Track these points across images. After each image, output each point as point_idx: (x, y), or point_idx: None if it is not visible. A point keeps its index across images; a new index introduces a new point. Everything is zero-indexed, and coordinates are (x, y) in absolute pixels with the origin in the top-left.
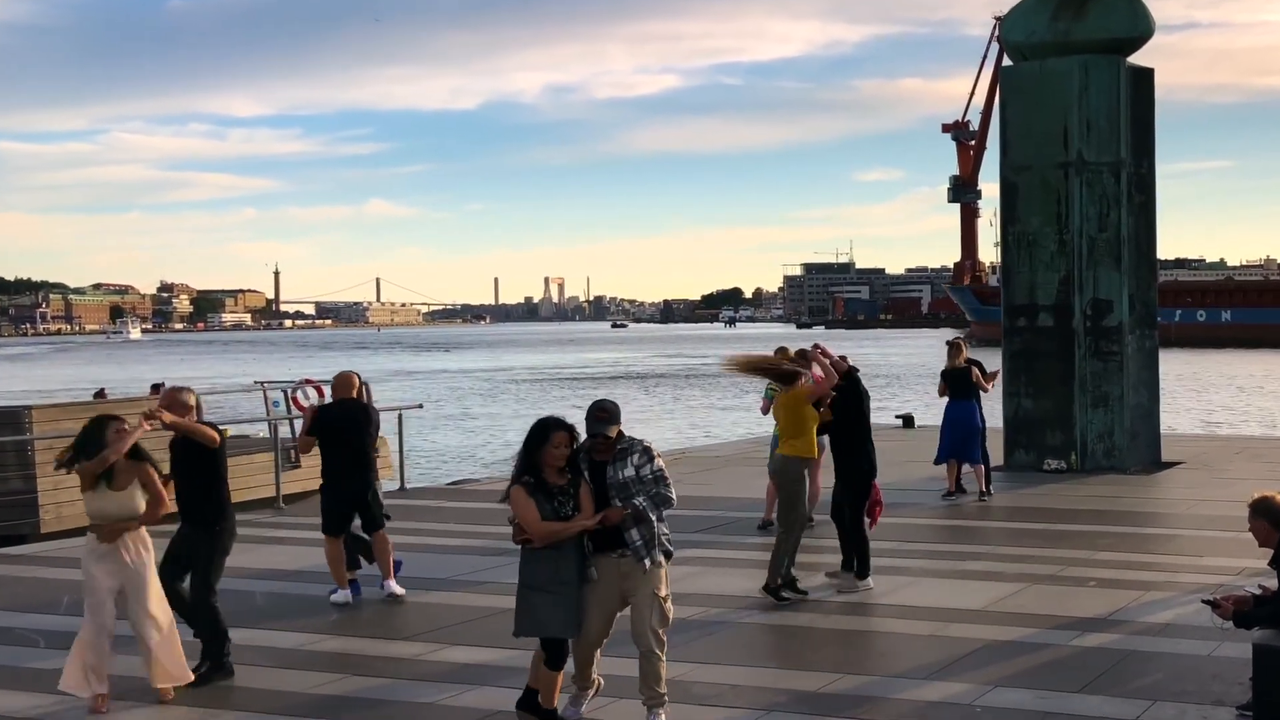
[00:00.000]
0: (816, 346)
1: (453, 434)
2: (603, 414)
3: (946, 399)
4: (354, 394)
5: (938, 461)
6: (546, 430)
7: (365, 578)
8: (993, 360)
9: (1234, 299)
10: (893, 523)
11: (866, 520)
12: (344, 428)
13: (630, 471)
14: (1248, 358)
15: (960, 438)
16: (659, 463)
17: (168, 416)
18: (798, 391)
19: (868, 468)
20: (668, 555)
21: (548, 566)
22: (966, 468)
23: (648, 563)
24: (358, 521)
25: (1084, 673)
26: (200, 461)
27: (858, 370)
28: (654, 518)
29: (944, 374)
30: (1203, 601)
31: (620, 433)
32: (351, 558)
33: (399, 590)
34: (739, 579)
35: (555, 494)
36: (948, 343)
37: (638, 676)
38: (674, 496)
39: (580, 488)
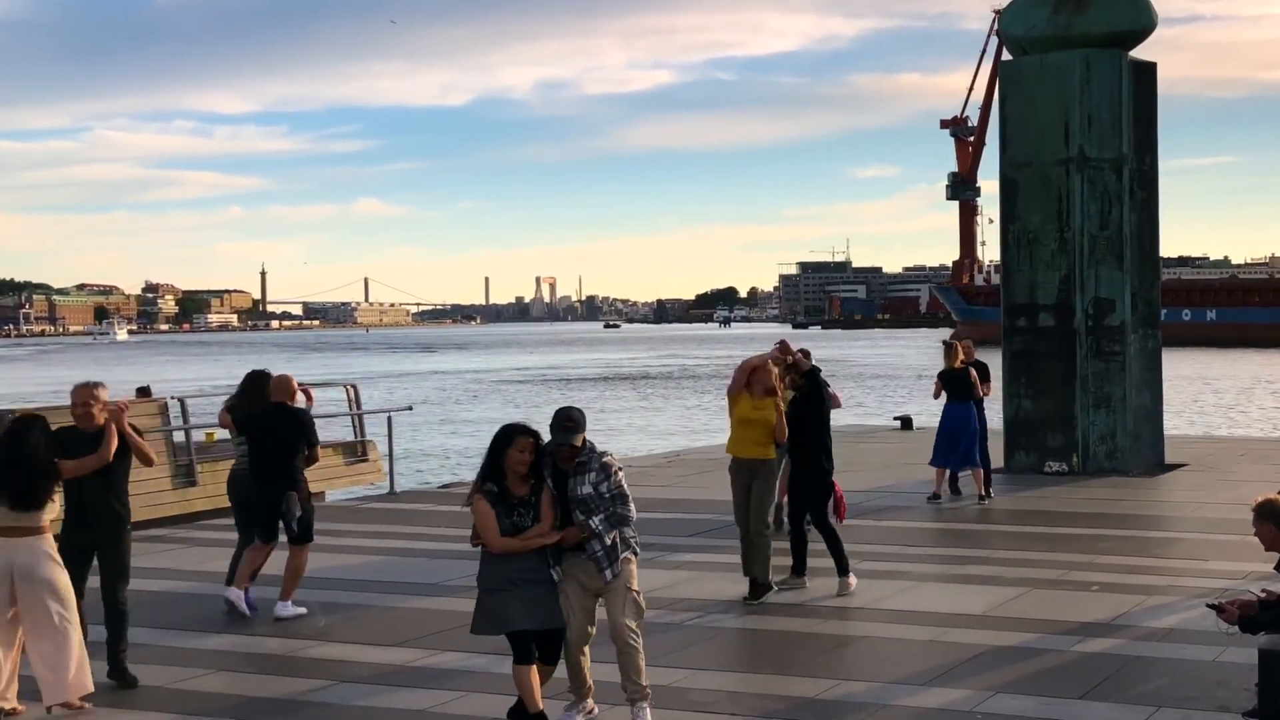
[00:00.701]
0: (781, 343)
1: (443, 436)
2: (569, 423)
3: (944, 400)
4: (290, 398)
5: (932, 463)
6: (510, 435)
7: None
8: (989, 360)
9: (1218, 298)
10: (891, 526)
11: (834, 517)
12: (258, 433)
13: (588, 489)
14: (1230, 357)
15: (954, 441)
16: (617, 478)
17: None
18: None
19: (829, 466)
20: (634, 554)
21: (500, 569)
22: (966, 471)
23: (608, 574)
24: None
25: (1086, 679)
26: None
27: (819, 370)
28: (607, 541)
29: (941, 375)
30: (1207, 606)
31: (585, 441)
32: None
33: (288, 614)
34: (734, 584)
35: (516, 506)
36: (944, 343)
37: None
38: (633, 514)
39: (543, 496)
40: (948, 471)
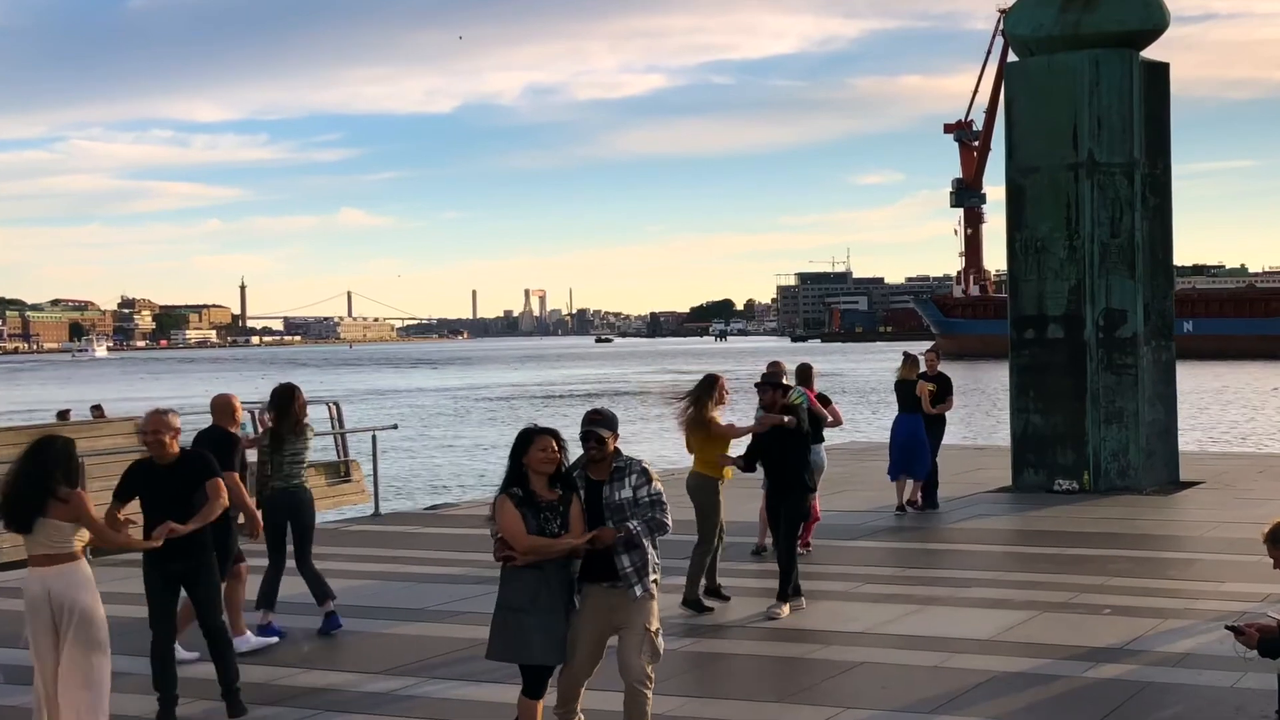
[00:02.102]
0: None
1: (430, 456)
2: (597, 415)
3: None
4: (230, 422)
5: (892, 477)
6: (529, 435)
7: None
8: (971, 376)
9: (1195, 309)
10: (893, 547)
11: (799, 544)
12: None
13: (627, 493)
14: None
15: (905, 453)
16: (657, 485)
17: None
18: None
19: (808, 486)
20: (655, 587)
21: (530, 588)
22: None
23: (638, 590)
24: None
25: (1099, 706)
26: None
27: (802, 404)
28: (648, 544)
29: (895, 385)
30: (1225, 629)
31: (618, 450)
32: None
33: (246, 648)
34: (734, 607)
35: (543, 509)
36: (904, 354)
37: (622, 713)
38: (670, 522)
39: (572, 505)
40: (909, 482)
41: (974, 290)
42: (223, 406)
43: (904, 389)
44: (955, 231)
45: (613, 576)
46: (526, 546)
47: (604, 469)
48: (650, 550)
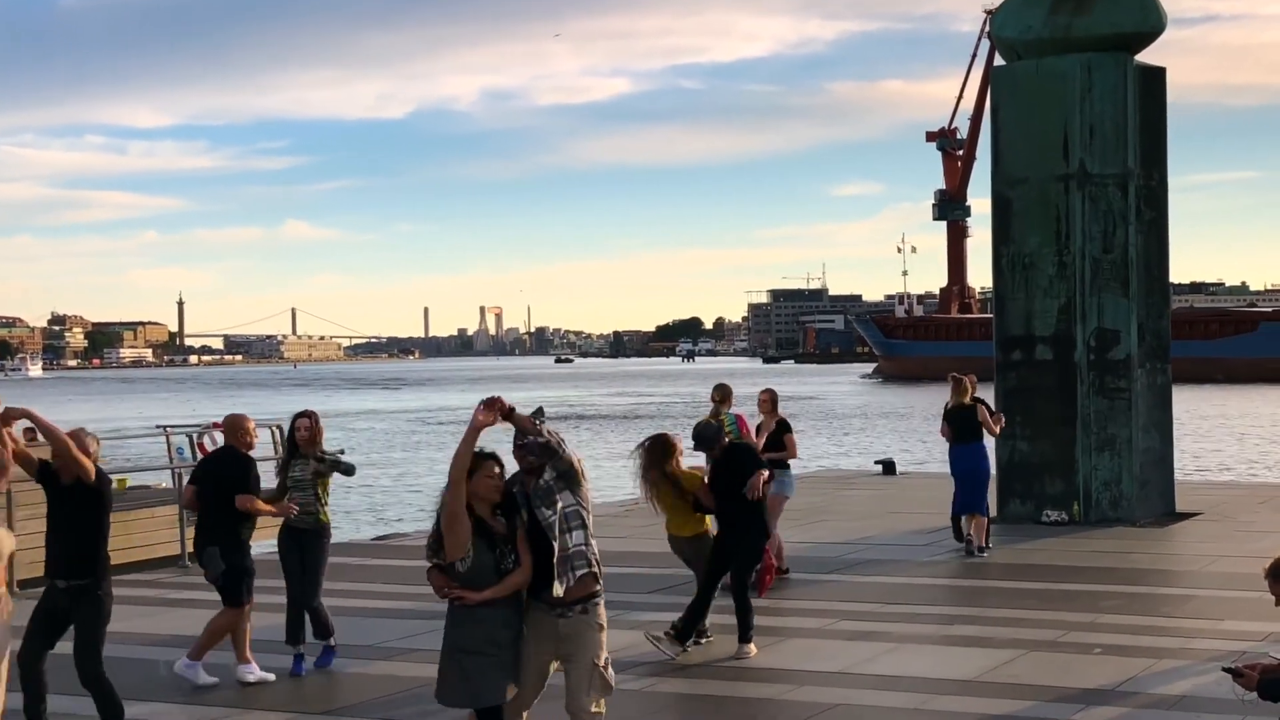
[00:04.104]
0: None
1: (378, 483)
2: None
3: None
4: (242, 442)
5: (954, 515)
6: (475, 460)
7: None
8: (908, 400)
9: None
10: (872, 581)
11: (754, 590)
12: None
13: (549, 475)
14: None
15: (971, 488)
16: (567, 455)
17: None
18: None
19: (763, 532)
20: (602, 621)
21: (486, 630)
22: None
23: (557, 586)
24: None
25: None
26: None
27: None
28: (588, 558)
29: (947, 413)
30: (1223, 670)
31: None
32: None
33: (185, 673)
34: (701, 647)
35: (497, 544)
36: (952, 377)
37: None
38: (568, 456)
39: (519, 535)
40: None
41: (916, 310)
42: (234, 426)
43: (960, 415)
44: (899, 249)
45: (561, 605)
46: (484, 598)
47: (531, 465)
48: (588, 553)
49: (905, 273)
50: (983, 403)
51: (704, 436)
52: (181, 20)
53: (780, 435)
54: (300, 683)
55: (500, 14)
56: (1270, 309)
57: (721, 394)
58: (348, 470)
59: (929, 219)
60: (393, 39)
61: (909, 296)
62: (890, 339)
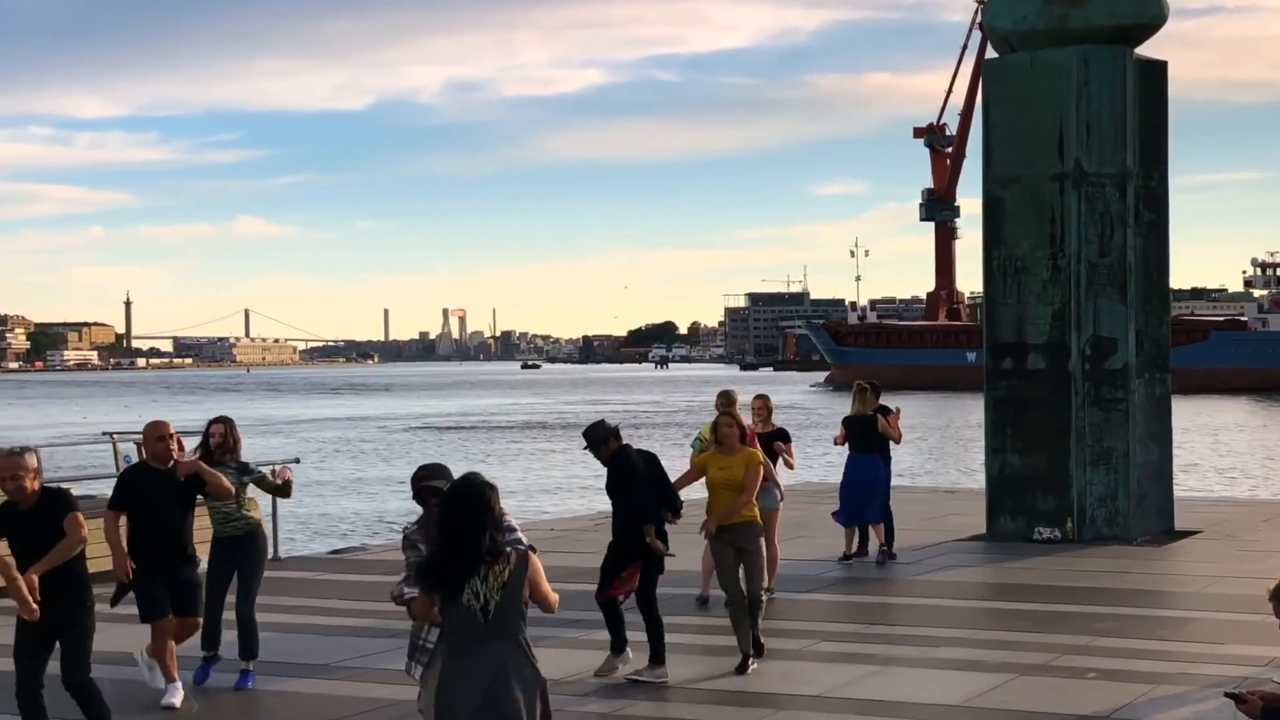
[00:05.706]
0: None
1: (335, 494)
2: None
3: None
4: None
5: (843, 523)
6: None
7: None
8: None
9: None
10: (855, 601)
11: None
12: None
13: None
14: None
15: (864, 498)
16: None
17: None
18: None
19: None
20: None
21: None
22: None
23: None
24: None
25: None
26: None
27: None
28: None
29: (845, 421)
30: (1225, 695)
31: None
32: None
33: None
34: (679, 667)
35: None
36: (857, 385)
37: None
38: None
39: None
40: (862, 529)
41: (870, 316)
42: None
43: (859, 425)
44: (851, 253)
45: None
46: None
47: None
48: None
49: (859, 278)
50: (884, 410)
51: (592, 437)
52: (131, 5)
53: (770, 444)
54: (250, 701)
55: (466, 1)
56: (1221, 318)
57: (725, 401)
58: (277, 491)
59: (916, 220)
60: (352, 26)
61: (862, 305)
62: (842, 346)
